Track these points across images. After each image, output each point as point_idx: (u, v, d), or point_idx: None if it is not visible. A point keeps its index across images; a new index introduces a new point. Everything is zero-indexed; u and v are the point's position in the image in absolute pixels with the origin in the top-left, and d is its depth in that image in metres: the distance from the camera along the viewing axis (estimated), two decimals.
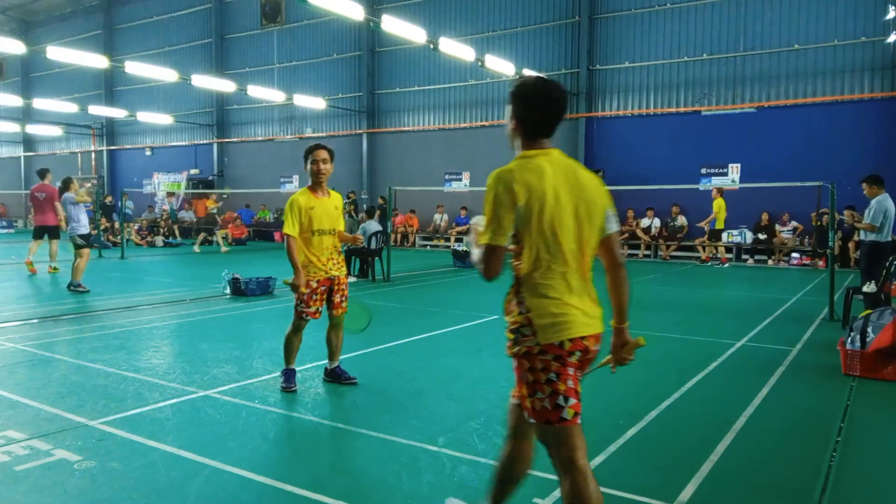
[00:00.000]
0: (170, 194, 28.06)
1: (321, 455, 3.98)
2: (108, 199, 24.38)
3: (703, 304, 10.07)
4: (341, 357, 5.32)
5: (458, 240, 20.11)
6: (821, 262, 15.09)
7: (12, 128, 33.39)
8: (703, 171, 17.88)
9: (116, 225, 22.01)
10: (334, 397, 4.96)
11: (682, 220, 17.65)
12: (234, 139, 27.76)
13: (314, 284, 4.91)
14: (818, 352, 6.58)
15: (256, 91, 21.34)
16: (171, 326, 7.84)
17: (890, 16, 15.01)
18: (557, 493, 3.28)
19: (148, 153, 30.69)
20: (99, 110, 26.71)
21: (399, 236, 21.56)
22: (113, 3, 30.92)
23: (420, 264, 15.76)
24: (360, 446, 4.01)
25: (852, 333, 5.74)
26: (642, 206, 18.26)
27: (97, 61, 17.00)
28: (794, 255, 16.07)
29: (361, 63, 23.82)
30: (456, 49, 15.37)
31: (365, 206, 19.29)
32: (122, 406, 4.63)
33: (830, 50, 16.28)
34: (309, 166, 4.92)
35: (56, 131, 32.12)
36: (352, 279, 10.89)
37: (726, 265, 16.24)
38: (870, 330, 5.60)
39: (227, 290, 10.23)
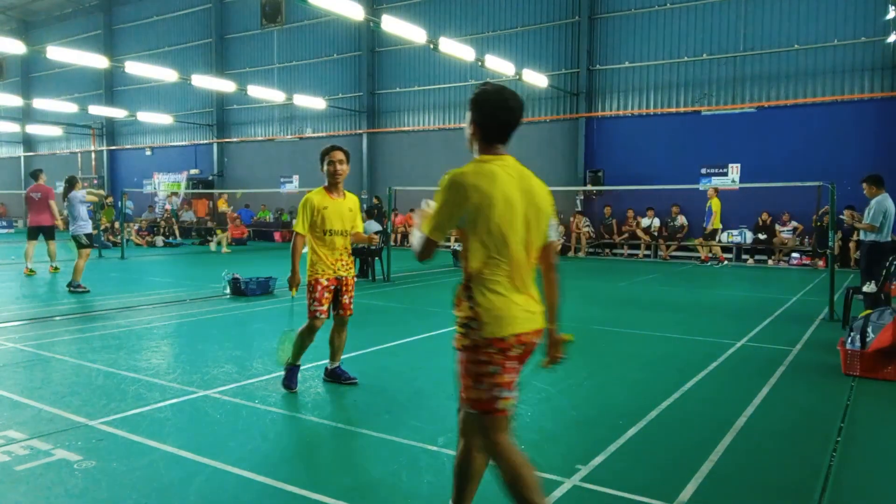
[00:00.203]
0: (174, 194, 28.07)
1: (321, 455, 3.99)
2: (109, 200, 24.38)
3: (703, 304, 10.07)
4: (341, 357, 5.32)
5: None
6: (821, 262, 15.10)
7: (12, 128, 33.39)
8: (703, 171, 17.88)
9: (116, 225, 22.00)
10: (334, 397, 4.96)
11: (681, 220, 17.65)
12: (234, 139, 27.76)
13: (324, 282, 4.90)
14: (818, 352, 6.58)
15: (256, 91, 21.34)
16: (171, 326, 7.84)
17: (890, 16, 15.01)
18: (557, 493, 3.29)
19: (148, 153, 30.69)
20: (99, 110, 26.70)
21: (399, 236, 21.56)
22: (113, 3, 30.92)
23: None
24: (360, 446, 4.02)
25: (852, 333, 5.74)
26: (642, 206, 18.27)
27: (97, 61, 16.99)
28: (794, 255, 16.08)
29: (361, 63, 23.82)
30: (456, 49, 15.37)
31: (365, 206, 19.29)
32: (122, 406, 4.63)
33: (830, 50, 16.28)
34: (325, 167, 4.91)
35: (56, 131, 32.11)
36: None
37: (724, 263, 16.28)
38: (870, 330, 5.60)
39: (227, 290, 10.23)
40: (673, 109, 18.35)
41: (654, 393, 5.05)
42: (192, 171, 28.87)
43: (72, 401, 4.74)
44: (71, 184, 11.13)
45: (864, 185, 8.41)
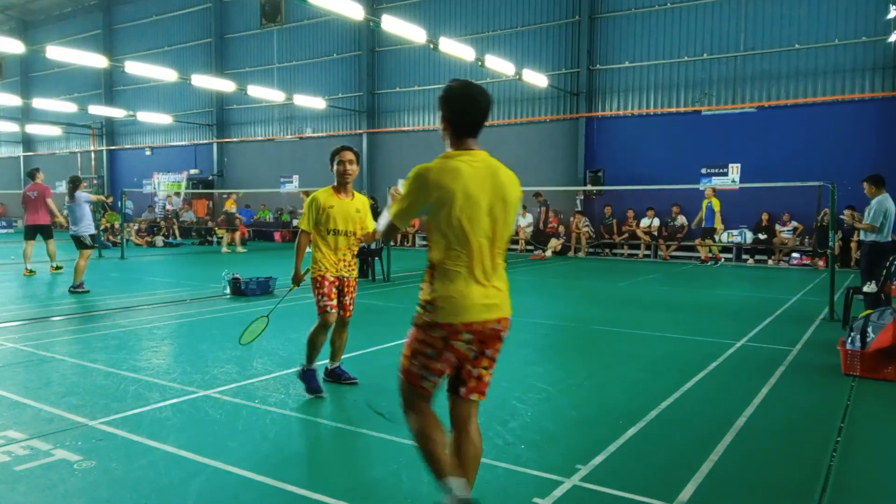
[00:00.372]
0: (176, 194, 28.06)
1: (321, 455, 3.99)
2: (109, 200, 24.40)
3: (703, 304, 10.07)
4: (341, 357, 5.32)
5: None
6: (821, 262, 15.10)
7: (12, 128, 33.37)
8: (703, 171, 17.88)
9: (116, 225, 22.00)
10: (334, 397, 4.96)
11: (681, 220, 17.65)
12: (234, 139, 27.76)
13: (330, 278, 4.90)
14: (818, 352, 6.58)
15: (256, 91, 21.33)
16: (171, 326, 7.84)
17: (891, 15, 15.01)
18: (557, 493, 3.29)
19: (148, 153, 30.68)
20: (99, 110, 26.69)
21: (399, 236, 21.54)
22: (113, 2, 30.91)
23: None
24: (360, 446, 4.02)
25: (852, 333, 5.74)
26: (642, 206, 18.27)
27: (97, 61, 16.99)
28: (794, 255, 16.08)
29: (361, 63, 23.81)
30: (456, 49, 15.37)
31: None
32: (122, 406, 4.63)
33: (830, 50, 16.28)
34: (335, 167, 4.89)
35: (56, 131, 32.10)
36: None
37: (721, 261, 16.32)
38: (870, 330, 5.60)
39: (227, 290, 10.23)
40: (673, 109, 18.35)
41: (654, 393, 5.05)
42: (192, 171, 28.87)
43: (72, 401, 4.74)
44: (75, 184, 11.10)
45: (865, 184, 8.40)
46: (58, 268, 12.53)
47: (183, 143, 29.28)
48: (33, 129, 32.32)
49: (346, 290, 5.02)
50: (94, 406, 4.63)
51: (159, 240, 22.70)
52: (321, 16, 23.93)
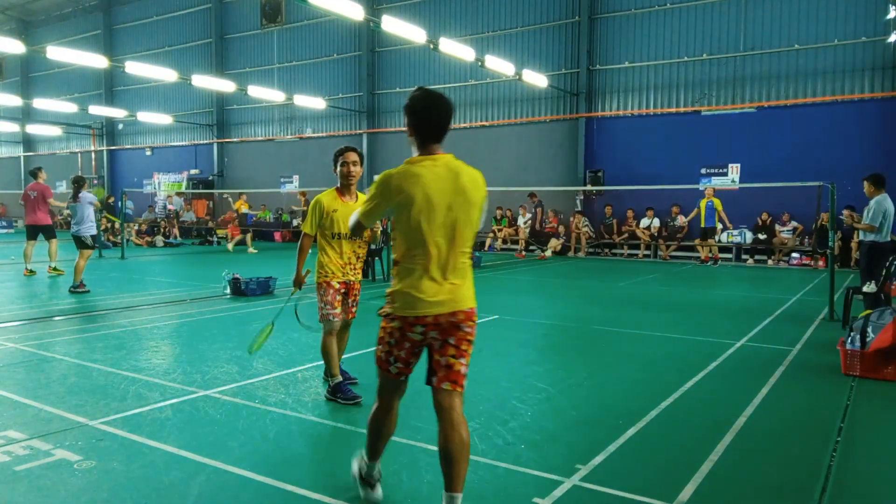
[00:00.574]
0: (178, 194, 28.07)
1: (321, 455, 3.99)
2: (110, 200, 24.40)
3: (703, 304, 10.07)
4: (342, 357, 5.32)
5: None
6: (821, 262, 15.10)
7: (12, 128, 33.40)
8: (703, 171, 17.89)
9: (116, 225, 22.01)
10: None
11: (681, 220, 17.65)
12: (234, 139, 27.77)
13: (336, 285, 4.82)
14: (818, 352, 6.58)
15: (256, 91, 21.34)
16: (171, 326, 7.84)
17: (890, 15, 15.02)
18: (557, 493, 3.30)
19: (148, 153, 30.69)
20: (99, 110, 26.71)
21: None
22: (113, 3, 30.92)
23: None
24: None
25: (852, 333, 5.75)
26: (642, 206, 18.27)
27: (97, 61, 17.00)
28: (794, 255, 16.08)
29: (361, 63, 23.82)
30: (456, 49, 15.37)
31: None
32: (122, 406, 4.63)
33: (830, 50, 16.28)
34: (339, 168, 4.79)
35: (56, 131, 32.12)
36: None
37: (719, 262, 16.33)
38: (870, 330, 5.60)
39: (227, 290, 10.23)
40: (673, 109, 18.35)
41: (654, 393, 5.05)
42: (193, 171, 28.88)
43: (72, 401, 4.74)
44: (80, 184, 11.19)
45: (865, 183, 8.40)
46: (55, 269, 12.49)
47: (183, 143, 29.29)
48: (34, 129, 32.34)
49: (350, 293, 4.97)
50: (94, 406, 4.63)
51: (159, 240, 22.70)
52: (321, 16, 23.94)
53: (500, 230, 20.37)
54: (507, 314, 8.63)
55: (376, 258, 12.58)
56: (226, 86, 21.46)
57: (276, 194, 25.41)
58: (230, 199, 22.38)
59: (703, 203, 16.40)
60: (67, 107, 25.33)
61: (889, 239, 8.21)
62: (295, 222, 23.64)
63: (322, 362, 5.48)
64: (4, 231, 29.67)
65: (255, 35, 26.46)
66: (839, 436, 4.19)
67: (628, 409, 4.64)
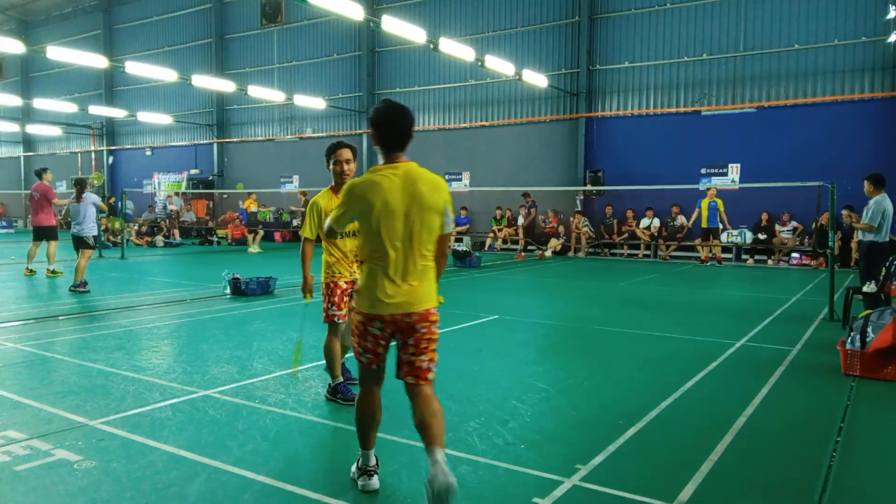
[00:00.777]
0: (176, 194, 28.08)
1: (321, 455, 3.99)
2: (111, 200, 24.42)
3: (703, 304, 10.07)
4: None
5: (459, 240, 20.11)
6: (814, 262, 15.10)
7: (12, 128, 33.39)
8: (703, 171, 17.88)
9: (117, 225, 22.01)
10: None
11: (681, 220, 17.65)
12: (234, 139, 27.76)
13: (343, 285, 4.72)
14: (818, 352, 6.58)
15: (256, 91, 21.33)
16: (171, 326, 7.84)
17: (890, 15, 15.01)
18: (557, 493, 3.30)
19: (148, 153, 30.69)
20: (99, 110, 26.70)
21: None
22: (113, 3, 30.92)
23: None
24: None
25: (852, 333, 5.74)
26: (642, 206, 18.27)
27: (97, 61, 16.99)
28: (794, 255, 16.08)
29: (361, 63, 23.82)
30: (456, 49, 15.37)
31: None
32: (122, 406, 4.63)
33: (830, 50, 16.28)
34: (332, 166, 4.63)
35: (56, 131, 32.11)
36: None
37: (722, 263, 16.30)
38: (870, 330, 5.60)
39: (227, 290, 10.23)
40: (673, 109, 18.35)
41: (654, 393, 5.05)
42: (193, 171, 28.88)
43: (72, 401, 4.74)
44: (82, 185, 11.31)
45: (865, 182, 8.40)
46: (53, 272, 12.46)
47: (183, 143, 29.28)
48: (34, 129, 32.34)
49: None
50: (94, 406, 4.63)
51: (159, 240, 22.70)
52: (321, 16, 23.94)
53: (500, 230, 20.38)
54: (507, 314, 8.63)
55: None
56: (226, 86, 21.46)
57: (276, 194, 25.41)
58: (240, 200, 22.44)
59: (705, 203, 16.39)
60: (67, 107, 25.32)
61: (888, 239, 8.21)
62: (295, 222, 23.64)
63: (320, 361, 5.49)
64: (4, 231, 29.67)
65: (255, 35, 26.46)
66: (839, 436, 4.19)
67: (628, 409, 4.64)
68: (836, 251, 10.09)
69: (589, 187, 19.01)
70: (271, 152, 26.62)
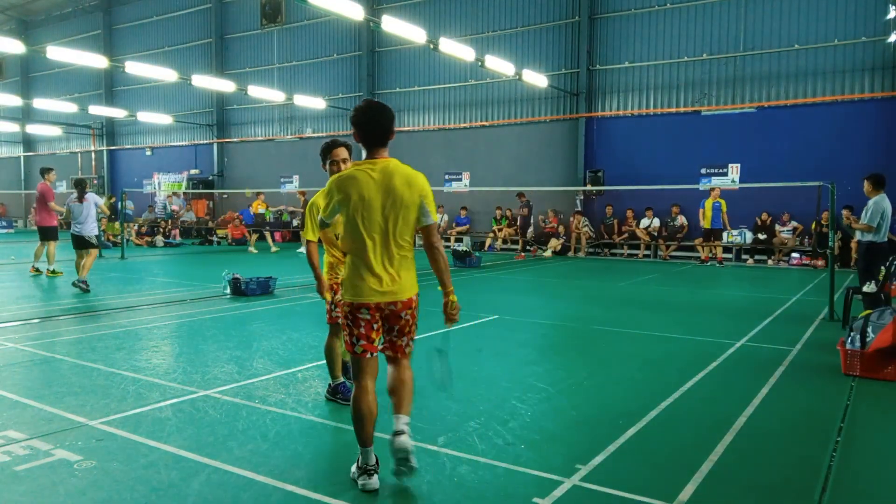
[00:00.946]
0: (174, 194, 28.07)
1: (321, 455, 3.99)
2: (112, 200, 24.43)
3: (703, 304, 10.07)
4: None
5: (459, 240, 20.11)
6: (820, 262, 15.10)
7: (12, 128, 33.40)
8: (703, 171, 17.88)
9: (117, 225, 22.01)
10: None
11: (681, 220, 17.65)
12: (234, 139, 27.76)
13: None
14: (818, 352, 6.58)
15: (256, 91, 21.34)
16: (171, 326, 7.84)
17: (890, 16, 15.01)
18: (557, 493, 3.30)
19: (148, 153, 30.69)
20: (99, 110, 26.70)
21: None
22: (113, 3, 30.91)
23: (420, 264, 15.72)
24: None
25: (852, 333, 5.75)
26: (642, 206, 18.27)
27: (97, 61, 17.00)
28: (794, 255, 16.08)
29: (361, 63, 23.82)
30: (456, 49, 15.37)
31: None
32: (122, 406, 4.63)
33: (830, 50, 16.28)
34: (328, 166, 4.47)
35: (56, 131, 32.11)
36: None
37: (723, 264, 16.30)
38: (870, 330, 5.60)
39: (227, 290, 10.23)
40: (673, 109, 18.35)
41: (654, 393, 5.05)
42: (193, 171, 28.87)
43: (72, 401, 4.74)
44: (83, 186, 11.38)
45: (865, 182, 8.40)
46: (53, 272, 12.47)
47: (183, 143, 29.28)
48: (34, 129, 32.34)
49: None
50: (94, 406, 4.63)
51: (159, 240, 22.70)
52: (321, 16, 23.93)
53: (500, 230, 20.37)
54: (507, 314, 8.63)
55: None
56: (226, 86, 21.46)
57: (276, 194, 25.40)
58: (250, 195, 22.42)
59: (709, 203, 16.37)
60: (67, 107, 25.32)
61: (887, 239, 8.21)
62: (295, 222, 23.63)
63: (320, 361, 5.49)
64: (4, 231, 29.67)
65: (255, 35, 26.46)
66: (839, 436, 4.19)
67: (628, 409, 4.64)
68: (836, 251, 10.08)
69: (589, 187, 19.01)
70: (271, 152, 26.62)
